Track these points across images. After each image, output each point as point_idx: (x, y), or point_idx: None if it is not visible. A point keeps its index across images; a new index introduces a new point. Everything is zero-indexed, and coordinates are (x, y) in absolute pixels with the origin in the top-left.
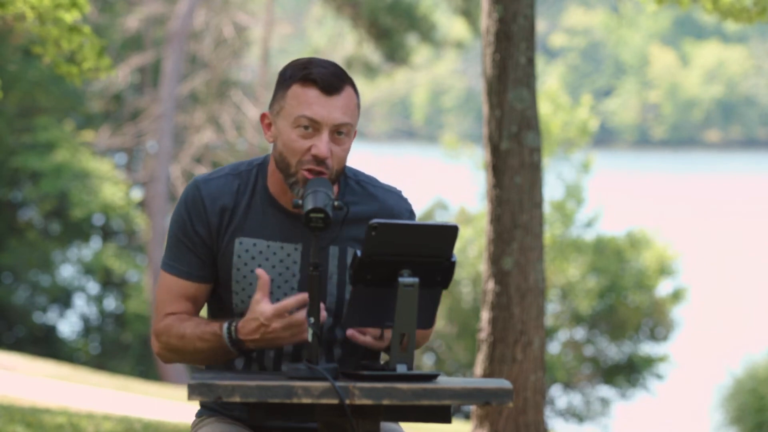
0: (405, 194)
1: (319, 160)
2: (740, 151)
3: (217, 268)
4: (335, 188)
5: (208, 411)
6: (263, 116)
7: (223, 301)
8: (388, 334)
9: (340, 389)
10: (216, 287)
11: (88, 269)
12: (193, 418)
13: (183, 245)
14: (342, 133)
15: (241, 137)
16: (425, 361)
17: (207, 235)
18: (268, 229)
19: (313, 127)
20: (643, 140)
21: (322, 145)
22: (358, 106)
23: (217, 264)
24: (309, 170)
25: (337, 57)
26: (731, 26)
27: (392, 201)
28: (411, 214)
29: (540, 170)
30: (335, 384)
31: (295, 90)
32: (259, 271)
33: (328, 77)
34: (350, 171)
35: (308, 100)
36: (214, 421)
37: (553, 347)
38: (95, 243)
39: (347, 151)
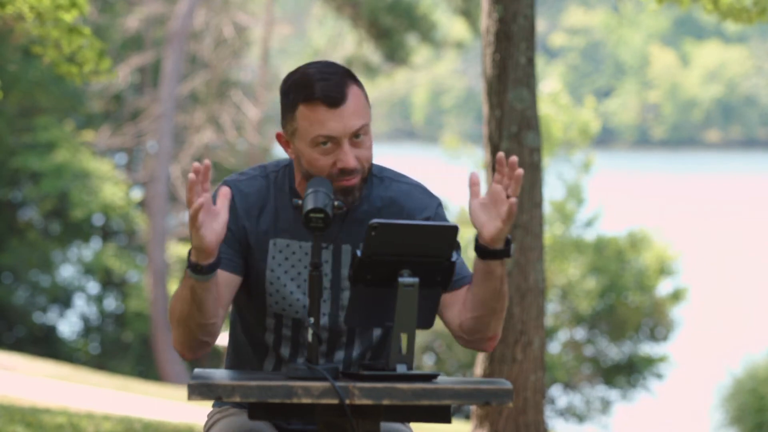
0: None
1: (348, 172)
2: (740, 151)
3: (248, 266)
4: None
5: (227, 402)
6: (278, 136)
7: (257, 302)
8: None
9: (340, 389)
10: (249, 288)
11: (88, 269)
12: (194, 417)
13: None
14: (360, 135)
15: (241, 137)
16: (425, 361)
17: (238, 232)
18: (300, 229)
19: (331, 142)
20: (643, 140)
21: (347, 158)
22: (367, 99)
23: (249, 264)
24: (344, 181)
25: (337, 57)
26: (731, 26)
27: (417, 195)
28: (438, 207)
29: (540, 170)
30: (335, 384)
31: (303, 111)
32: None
33: (330, 90)
34: (376, 168)
35: (319, 119)
36: (237, 413)
37: (553, 347)
38: (95, 243)
39: (370, 147)
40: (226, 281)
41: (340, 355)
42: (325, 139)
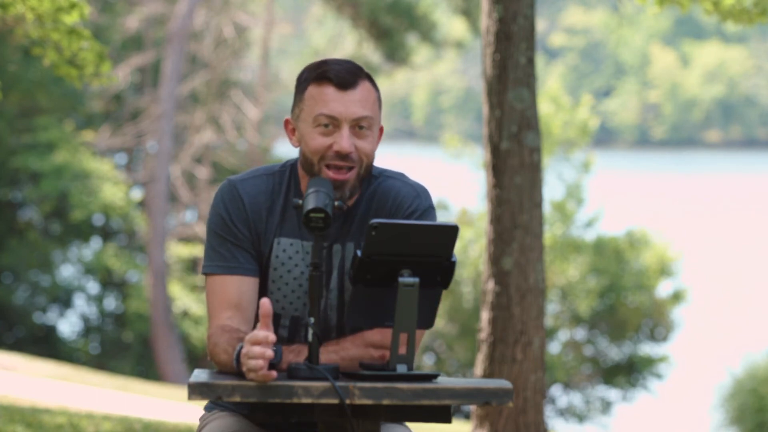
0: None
1: (343, 155)
2: (740, 151)
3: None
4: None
5: (219, 406)
6: (286, 122)
7: (257, 302)
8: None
9: (340, 389)
10: None
11: (88, 269)
12: (194, 417)
13: (228, 242)
14: (363, 126)
15: (241, 137)
16: (425, 361)
17: (248, 232)
18: (304, 229)
19: (332, 123)
20: (643, 140)
21: (343, 140)
22: (379, 100)
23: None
24: (335, 166)
25: (337, 57)
26: (731, 26)
27: (406, 192)
28: (428, 209)
29: (540, 170)
30: (335, 384)
31: (311, 90)
32: (263, 301)
33: (342, 73)
34: (376, 170)
35: (324, 98)
36: (226, 416)
37: (553, 347)
38: (95, 243)
39: (373, 144)
40: (253, 287)
41: None
42: (327, 119)
